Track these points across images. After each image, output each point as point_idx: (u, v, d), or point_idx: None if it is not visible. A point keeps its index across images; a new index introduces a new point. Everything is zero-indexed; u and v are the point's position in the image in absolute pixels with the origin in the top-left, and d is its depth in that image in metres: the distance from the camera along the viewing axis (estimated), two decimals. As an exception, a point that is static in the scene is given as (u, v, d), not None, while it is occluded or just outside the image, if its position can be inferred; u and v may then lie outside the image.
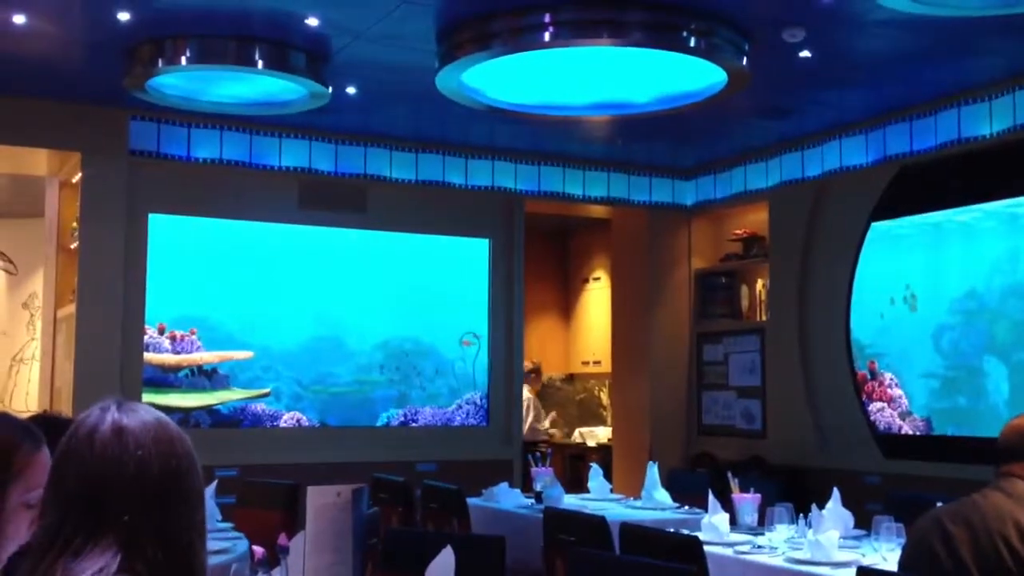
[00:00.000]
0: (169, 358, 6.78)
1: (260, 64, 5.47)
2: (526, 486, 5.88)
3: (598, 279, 9.97)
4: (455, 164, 7.63)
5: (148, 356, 6.69)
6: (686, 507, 4.98)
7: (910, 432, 6.52)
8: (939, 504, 2.82)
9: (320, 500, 2.36)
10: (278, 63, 5.51)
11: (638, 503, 5.15)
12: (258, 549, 2.17)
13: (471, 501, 5.00)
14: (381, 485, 5.17)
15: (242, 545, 2.95)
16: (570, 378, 10.33)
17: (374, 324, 7.41)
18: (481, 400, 7.71)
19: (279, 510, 3.87)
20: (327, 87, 5.80)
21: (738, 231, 8.13)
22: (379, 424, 7.38)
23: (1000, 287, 6.05)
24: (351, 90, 6.22)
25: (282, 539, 2.24)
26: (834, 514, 3.94)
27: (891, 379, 6.67)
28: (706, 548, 3.53)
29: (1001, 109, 5.98)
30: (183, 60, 5.37)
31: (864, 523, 3.94)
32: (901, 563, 2.80)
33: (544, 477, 5.24)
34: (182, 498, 1.34)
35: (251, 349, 7.00)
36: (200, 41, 5.36)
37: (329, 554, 2.36)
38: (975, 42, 5.36)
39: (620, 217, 8.67)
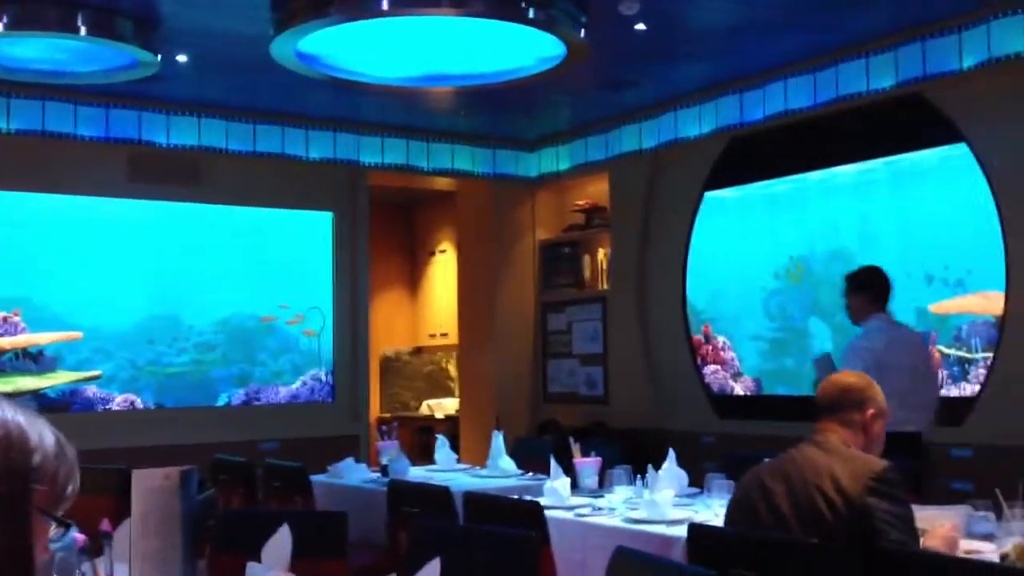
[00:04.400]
0: (-10, 341, 6.42)
1: (84, 31, 5.20)
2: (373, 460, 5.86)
3: (444, 251, 9.97)
4: (295, 135, 7.47)
5: (-33, 340, 6.32)
6: (531, 473, 5.05)
7: (742, 393, 6.80)
8: (766, 460, 2.96)
9: (146, 483, 2.27)
10: (103, 30, 5.25)
11: (484, 472, 5.19)
12: (79, 536, 2.08)
13: (316, 478, 4.93)
14: (222, 466, 5.05)
15: (69, 533, 2.82)
16: (417, 351, 10.32)
17: (212, 301, 7.20)
18: (327, 376, 7.61)
19: (110, 495, 3.72)
20: (156, 55, 5.57)
21: (580, 202, 8.26)
22: (219, 404, 7.20)
23: (823, 252, 6.36)
24: (182, 58, 5.99)
25: (104, 525, 2.14)
26: (670, 474, 4.07)
27: (724, 342, 6.94)
28: (548, 512, 3.59)
29: (824, 82, 6.26)
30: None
31: (701, 482, 4.09)
32: (726, 520, 2.93)
33: (390, 450, 5.22)
34: None
35: (80, 329, 6.70)
36: (18, 6, 5.06)
37: (157, 538, 2.27)
38: (799, 17, 5.58)
39: (465, 189, 8.68)
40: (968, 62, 5.49)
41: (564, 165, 8.23)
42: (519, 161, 8.45)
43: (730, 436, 6.50)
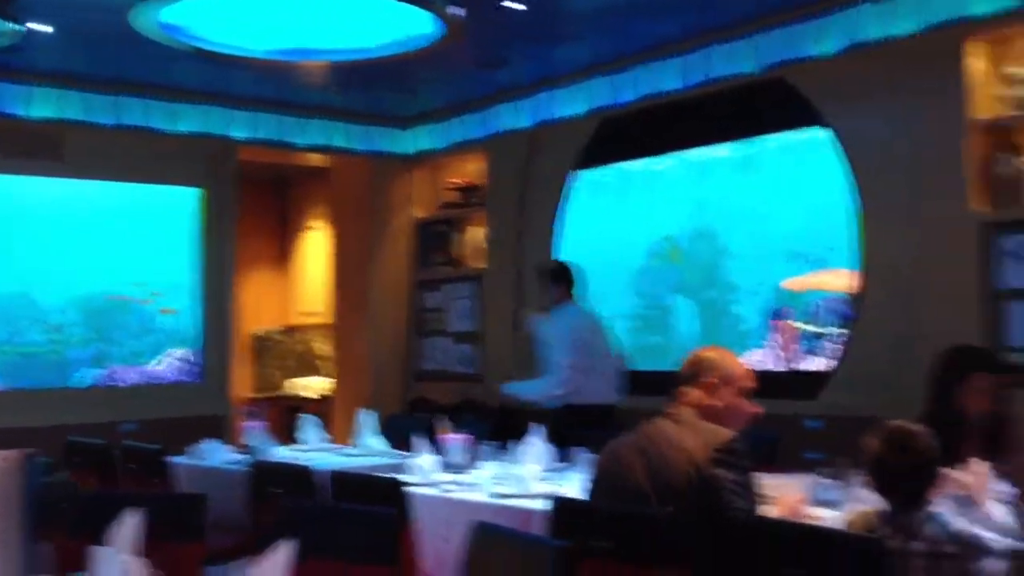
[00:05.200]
0: None
1: (-67, -4, 4.91)
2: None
3: (315, 229, 9.80)
4: (160, 108, 7.21)
5: None
6: (401, 451, 5.04)
7: (612, 369, 6.91)
8: (625, 434, 3.01)
9: (-19, 467, 2.17)
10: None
11: (352, 451, 5.16)
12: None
13: (177, 460, 4.81)
14: (76, 448, 4.87)
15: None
16: (289, 330, 10.14)
17: (70, 278, 6.93)
18: (191, 355, 7.42)
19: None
20: (16, 24, 5.29)
21: (455, 180, 8.24)
22: (76, 385, 6.94)
23: (690, 231, 6.51)
24: (42, 28, 5.71)
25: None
26: (536, 449, 4.12)
27: (595, 320, 7.03)
28: (413, 489, 3.59)
29: (694, 65, 6.36)
30: None
31: (569, 456, 4.14)
32: (589, 494, 2.97)
33: (255, 431, 5.12)
34: None
35: (-72, 308, 6.38)
36: None
37: (-8, 523, 2.18)
38: (671, 0, 5.66)
39: (340, 166, 8.56)
40: (829, 47, 5.64)
41: (440, 143, 8.18)
42: (395, 138, 8.36)
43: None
